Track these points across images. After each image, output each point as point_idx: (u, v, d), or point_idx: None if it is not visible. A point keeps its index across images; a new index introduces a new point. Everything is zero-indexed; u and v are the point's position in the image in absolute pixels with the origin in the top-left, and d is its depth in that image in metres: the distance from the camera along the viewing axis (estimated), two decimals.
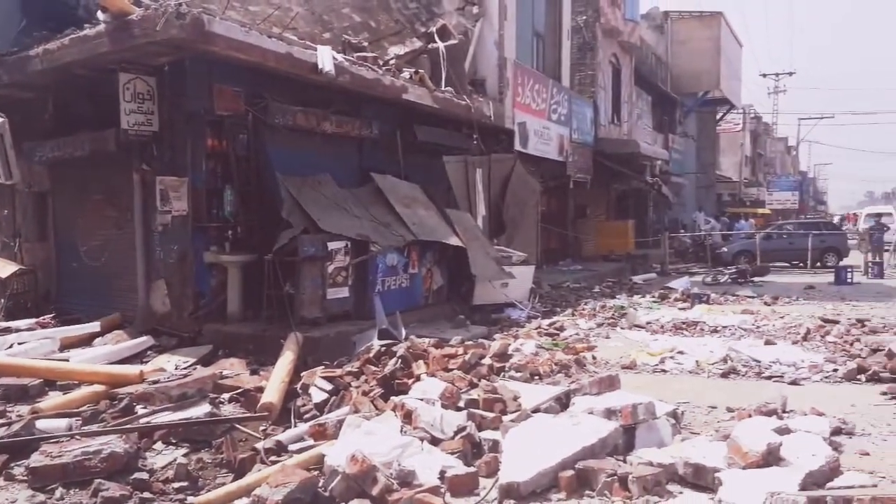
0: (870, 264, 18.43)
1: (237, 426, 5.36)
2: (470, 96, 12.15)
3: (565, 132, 16.94)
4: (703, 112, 33.13)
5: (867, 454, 4.57)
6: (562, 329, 9.53)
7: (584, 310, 11.37)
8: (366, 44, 10.66)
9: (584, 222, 20.29)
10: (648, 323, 10.13)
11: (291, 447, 4.88)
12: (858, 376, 6.66)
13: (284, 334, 7.20)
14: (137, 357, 7.53)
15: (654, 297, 13.12)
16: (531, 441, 4.44)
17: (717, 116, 35.72)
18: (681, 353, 7.98)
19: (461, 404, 5.33)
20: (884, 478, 4.14)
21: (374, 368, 6.30)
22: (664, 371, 7.32)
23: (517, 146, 14.01)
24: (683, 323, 9.96)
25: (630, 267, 18.74)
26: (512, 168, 13.21)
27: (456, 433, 4.72)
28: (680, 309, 11.60)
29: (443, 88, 11.51)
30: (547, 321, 10.06)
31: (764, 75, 48.61)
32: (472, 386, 5.85)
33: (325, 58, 8.51)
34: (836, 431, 4.93)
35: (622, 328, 9.89)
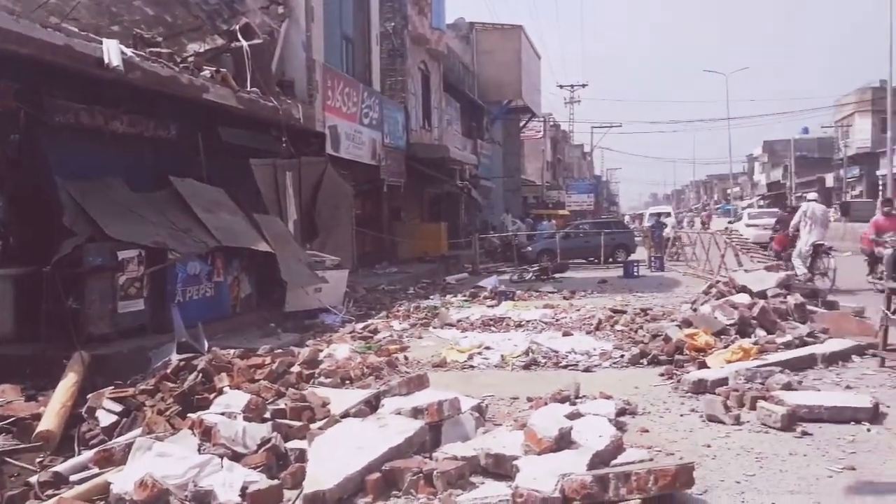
0: (652, 258, 20.47)
1: (7, 459, 4.75)
2: (277, 98, 11.80)
3: (377, 136, 17.04)
4: (507, 119, 35.00)
5: (647, 431, 5.02)
6: (376, 332, 9.56)
7: (398, 311, 11.49)
8: (160, 39, 9.95)
9: (399, 225, 20.55)
10: (459, 321, 10.45)
11: (73, 478, 4.39)
12: (641, 360, 7.33)
13: (68, 354, 6.50)
14: None
15: (465, 296, 13.58)
16: (338, 447, 4.37)
17: (521, 124, 37.90)
18: (488, 348, 8.32)
19: (267, 415, 5.11)
20: (660, 451, 4.57)
21: (171, 385, 5.86)
22: (472, 367, 7.58)
23: (329, 149, 13.84)
24: (491, 319, 10.40)
25: (444, 268, 19.29)
26: (323, 171, 13.03)
27: (260, 446, 4.52)
28: (489, 306, 12.10)
29: (248, 89, 11.06)
30: (361, 324, 10.04)
31: (561, 86, 52.33)
32: (280, 395, 5.64)
33: (112, 52, 7.82)
34: (621, 412, 5.37)
35: (434, 328, 10.11)
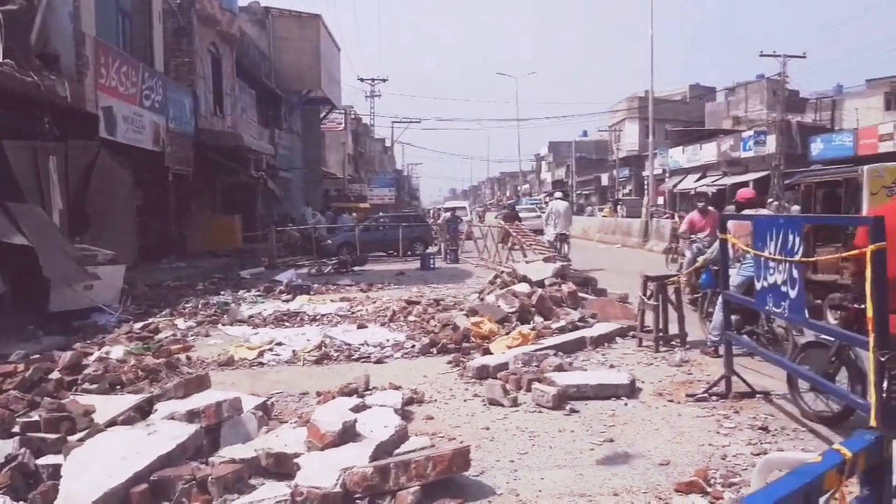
0: (448, 251, 21.18)
1: None
2: (38, 72, 10.49)
3: (161, 120, 15.83)
4: (307, 110, 34.32)
5: (432, 418, 5.13)
6: (157, 331, 8.88)
7: (184, 309, 10.79)
8: None
9: (189, 217, 19.31)
10: (251, 317, 10.04)
11: None
12: (431, 350, 7.51)
13: None
14: None
15: (259, 291, 13.08)
16: (99, 459, 3.95)
17: (321, 115, 37.38)
18: (280, 344, 8.06)
19: (16, 429, 4.51)
20: (443, 437, 4.69)
21: None
22: (262, 364, 7.30)
23: (102, 133, 12.58)
24: (285, 314, 10.11)
25: (238, 262, 18.45)
26: (96, 157, 11.83)
27: (2, 465, 3.96)
28: (283, 301, 11.76)
29: (1, 61, 9.71)
30: (140, 324, 9.27)
31: (361, 79, 52.35)
32: (34, 406, 5.01)
33: None
34: (409, 401, 5.44)
35: (224, 325, 9.62)
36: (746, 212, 7.23)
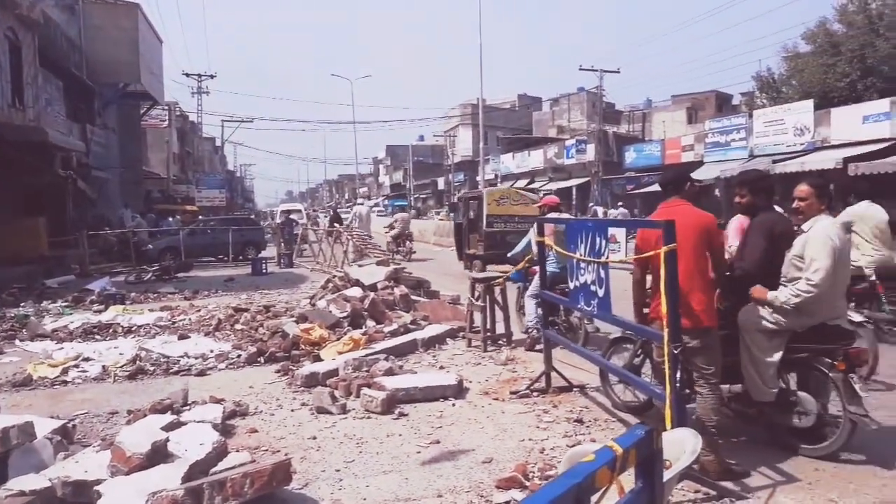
0: (282, 255, 20.58)
1: None
2: None
3: None
4: (125, 104, 31.86)
5: (256, 431, 4.91)
6: None
7: None
8: None
9: None
10: (55, 331, 9.13)
11: None
12: (259, 359, 7.22)
13: None
14: None
15: (67, 301, 11.93)
16: None
17: (142, 111, 34.91)
18: (87, 359, 7.40)
19: None
20: (267, 450, 4.50)
21: None
22: (66, 383, 6.64)
23: None
24: (95, 327, 9.29)
25: (44, 270, 16.70)
26: None
27: None
28: (95, 312, 10.81)
29: None
30: None
31: (187, 75, 49.51)
32: None
33: None
34: (231, 415, 5.17)
35: (22, 340, 8.67)
36: (552, 215, 7.79)
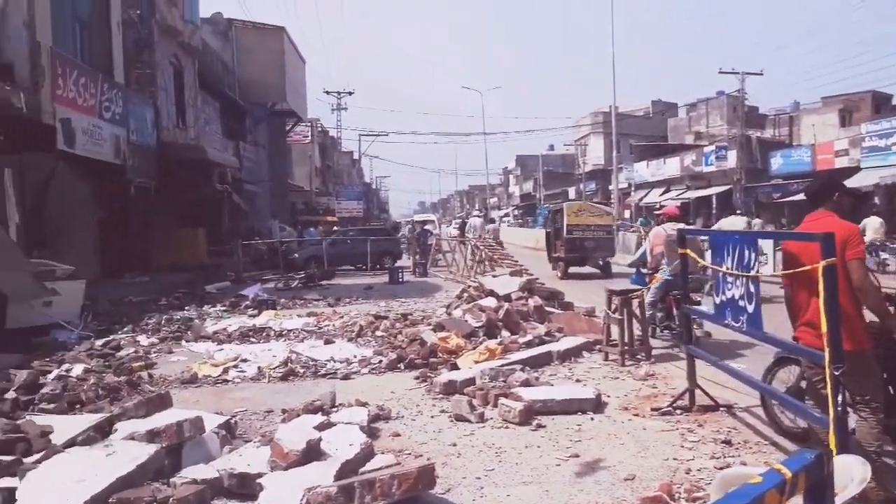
0: (417, 265, 21.14)
1: None
2: None
3: (122, 133, 15.54)
4: (272, 122, 34.06)
5: (399, 435, 5.10)
6: (118, 348, 8.72)
7: (147, 325, 10.60)
8: None
9: (152, 231, 18.95)
10: (216, 333, 9.88)
11: None
12: (399, 365, 7.47)
13: None
14: None
15: (224, 306, 12.90)
16: (55, 482, 3.83)
17: (287, 128, 37.15)
18: (245, 360, 7.95)
19: None
20: (409, 454, 4.66)
21: None
22: (227, 381, 7.18)
23: (61, 145, 12.28)
24: (250, 330, 9.97)
25: (204, 276, 18.17)
26: (53, 170, 11.57)
27: None
28: (249, 316, 11.61)
29: None
30: (101, 341, 9.08)
31: (328, 92, 52.25)
32: None
33: None
34: (376, 418, 5.40)
35: (187, 341, 9.46)
36: (668, 225, 8.49)
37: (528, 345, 7.79)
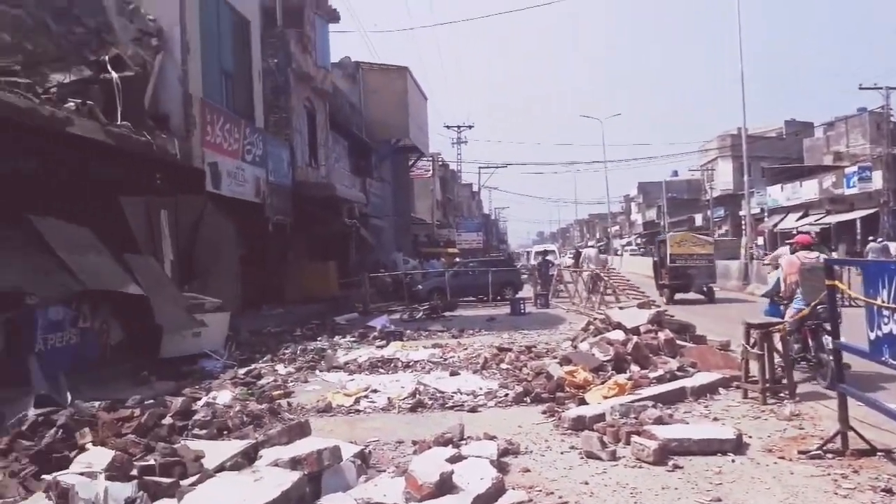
0: (539, 296, 20.98)
1: None
2: (151, 132, 11.29)
3: (261, 173, 16.66)
4: (396, 158, 35.25)
5: (528, 470, 5.06)
6: (259, 377, 9.21)
7: (284, 355, 11.14)
8: (18, 68, 9.30)
9: (287, 265, 20.03)
10: (347, 363, 10.24)
11: None
12: (525, 399, 7.42)
13: None
14: None
15: (354, 337, 13.36)
16: None
17: (410, 163, 38.30)
18: (375, 391, 8.19)
19: (134, 473, 4.76)
20: (540, 491, 4.61)
21: (27, 443, 5.40)
22: (358, 411, 7.42)
23: (209, 187, 13.35)
24: (379, 361, 10.26)
25: (333, 308, 18.94)
26: (203, 210, 12.55)
27: None
28: (377, 347, 11.96)
29: (118, 123, 10.53)
30: (244, 370, 9.64)
31: (448, 127, 53.47)
32: (149, 451, 5.29)
33: None
34: (504, 452, 5.39)
35: (321, 371, 9.86)
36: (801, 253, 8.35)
37: (660, 380, 7.52)
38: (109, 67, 10.77)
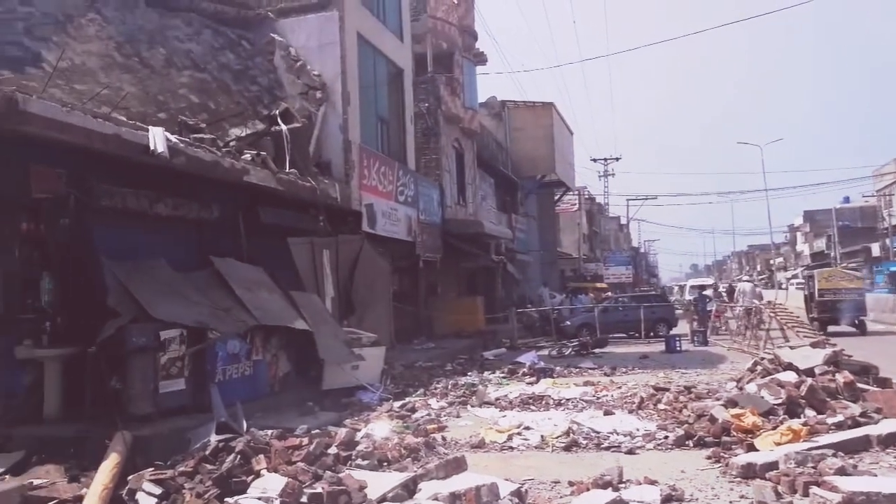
0: (695, 333, 19.95)
1: None
2: (315, 178, 12.15)
3: (413, 213, 17.32)
4: (542, 193, 35.28)
5: None
6: (413, 410, 9.44)
7: (436, 389, 11.35)
8: (204, 125, 10.39)
9: (436, 300, 20.56)
10: (498, 399, 10.26)
11: None
12: (687, 442, 7.07)
13: (111, 434, 6.56)
14: None
15: (503, 372, 13.37)
16: None
17: (555, 197, 38.17)
18: (527, 428, 8.13)
19: (303, 500, 5.06)
20: None
21: (210, 467, 5.88)
22: (511, 448, 7.40)
23: (365, 227, 14.10)
24: (530, 398, 10.19)
25: (481, 343, 19.09)
26: (360, 249, 13.23)
27: None
28: (528, 384, 11.88)
29: (287, 171, 11.43)
30: (399, 403, 9.93)
31: (594, 160, 52.95)
32: (317, 479, 5.59)
33: (158, 139, 8.19)
34: (668, 499, 5.16)
35: (472, 406, 9.95)
36: None
37: (839, 426, 6.89)
38: (280, 120, 11.77)
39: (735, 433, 6.95)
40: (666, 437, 7.32)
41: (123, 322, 7.36)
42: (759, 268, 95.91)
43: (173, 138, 8.74)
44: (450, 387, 11.52)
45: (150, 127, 8.43)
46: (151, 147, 8.06)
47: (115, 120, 8.05)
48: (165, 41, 11.84)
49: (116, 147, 7.79)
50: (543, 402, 9.87)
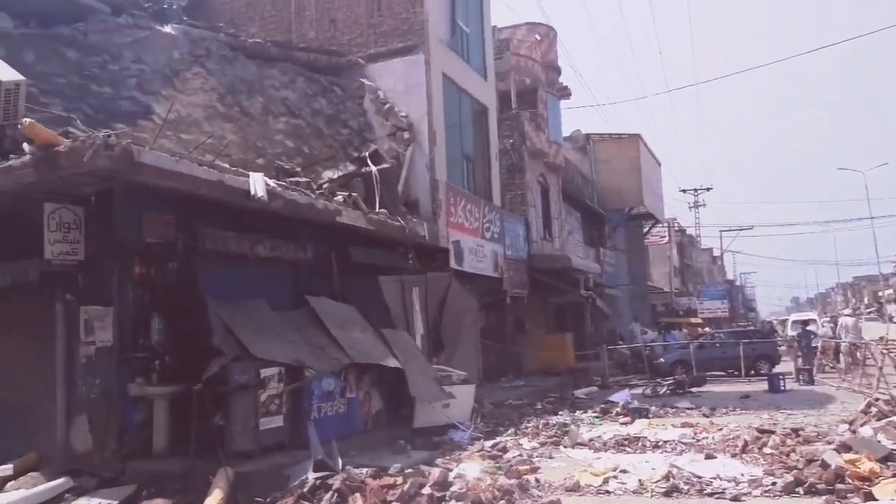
0: (800, 371, 18.87)
1: None
2: (404, 217, 12.40)
3: (499, 249, 17.34)
4: (630, 226, 34.61)
5: None
6: (505, 450, 9.32)
7: (527, 428, 11.18)
8: (299, 169, 10.85)
9: (524, 337, 20.37)
10: (591, 440, 10.00)
11: None
12: (797, 489, 6.66)
13: (214, 470, 6.81)
14: (54, 501, 6.97)
15: (595, 412, 13.03)
16: None
17: (644, 230, 37.33)
18: (623, 471, 7.87)
19: None
20: None
21: None
22: (608, 492, 7.18)
23: (452, 264, 14.21)
24: (625, 439, 9.87)
25: (571, 381, 18.71)
26: (448, 286, 13.34)
27: None
28: (622, 424, 11.53)
29: (377, 210, 11.73)
30: (490, 442, 9.83)
31: (684, 191, 51.57)
32: None
33: (258, 184, 8.59)
34: None
35: (565, 447, 9.73)
36: None
37: None
38: (369, 161, 12.15)
39: (850, 480, 6.50)
40: (774, 484, 6.92)
41: (227, 360, 7.68)
42: (866, 300, 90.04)
43: (271, 182, 9.15)
44: (541, 426, 11.33)
45: (250, 173, 8.87)
46: (252, 192, 8.46)
47: (219, 167, 8.52)
48: (263, 90, 12.49)
49: (220, 193, 8.23)
50: (640, 444, 9.54)
